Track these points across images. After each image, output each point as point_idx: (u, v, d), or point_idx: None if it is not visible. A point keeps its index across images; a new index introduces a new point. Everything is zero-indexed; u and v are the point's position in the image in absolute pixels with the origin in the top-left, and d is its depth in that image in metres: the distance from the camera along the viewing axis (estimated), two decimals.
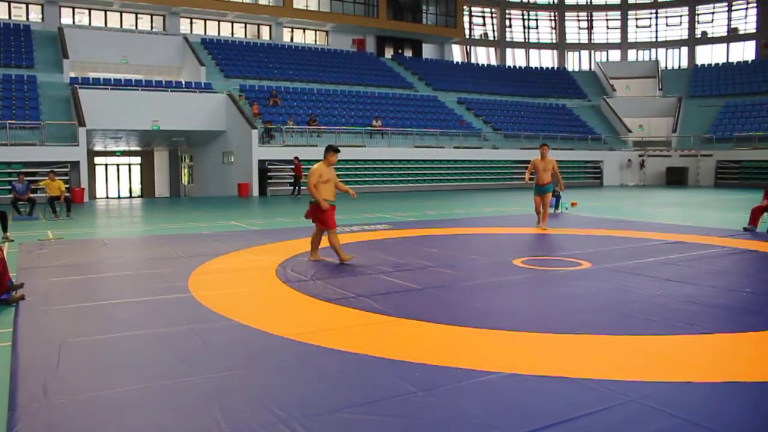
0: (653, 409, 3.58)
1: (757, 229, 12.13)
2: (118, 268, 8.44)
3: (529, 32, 51.17)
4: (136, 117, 26.28)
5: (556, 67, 49.24)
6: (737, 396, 3.86)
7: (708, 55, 48.87)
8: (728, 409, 3.65)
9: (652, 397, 3.75)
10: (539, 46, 51.35)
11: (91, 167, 33.83)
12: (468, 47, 49.62)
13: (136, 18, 36.20)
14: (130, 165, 38.49)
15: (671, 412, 3.53)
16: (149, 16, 36.52)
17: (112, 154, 36.87)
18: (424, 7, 43.86)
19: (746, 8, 47.71)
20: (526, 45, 51.09)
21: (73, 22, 34.35)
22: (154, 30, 36.40)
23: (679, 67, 48.71)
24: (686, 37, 49.46)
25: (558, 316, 5.95)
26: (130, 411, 3.62)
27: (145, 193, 37.89)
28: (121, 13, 35.48)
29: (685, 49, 49.58)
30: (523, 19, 50.91)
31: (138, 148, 36.80)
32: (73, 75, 28.98)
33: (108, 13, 35.24)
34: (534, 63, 50.59)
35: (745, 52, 47.72)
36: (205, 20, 37.93)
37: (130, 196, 36.88)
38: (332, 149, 9.00)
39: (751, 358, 4.66)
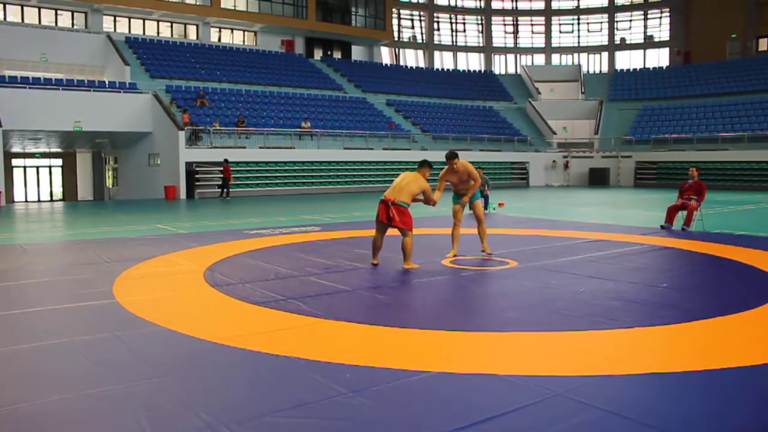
0: (577, 402, 3.70)
1: (673, 226, 12.71)
2: (38, 274, 8.12)
3: (456, 35, 51.96)
4: (57, 117, 25.32)
5: (483, 70, 50.14)
6: (655, 386, 4.03)
7: (627, 61, 50.89)
8: (646, 398, 3.81)
9: (576, 390, 3.88)
10: (467, 49, 52.19)
11: (8, 169, 32.42)
12: (397, 49, 49.98)
13: (56, 14, 34.84)
14: (50, 167, 37.06)
15: (593, 404, 3.66)
16: (70, 13, 35.21)
17: (32, 155, 35.42)
18: (353, 9, 43.91)
19: (660, 17, 49.94)
20: (454, 48, 51.86)
21: None
22: (75, 27, 35.12)
23: (600, 71, 50.45)
24: (606, 43, 51.32)
25: (486, 314, 6.07)
26: (50, 424, 3.49)
27: (67, 196, 36.55)
28: (39, 8, 34.02)
29: (605, 55, 51.45)
30: (451, 23, 51.66)
31: (59, 150, 35.47)
32: None
33: (25, 8, 33.74)
34: (462, 66, 51.40)
35: (660, 58, 49.95)
36: (129, 18, 36.87)
37: (51, 200, 35.50)
38: (428, 165, 8.78)
39: (667, 350, 4.88)
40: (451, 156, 9.08)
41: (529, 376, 4.16)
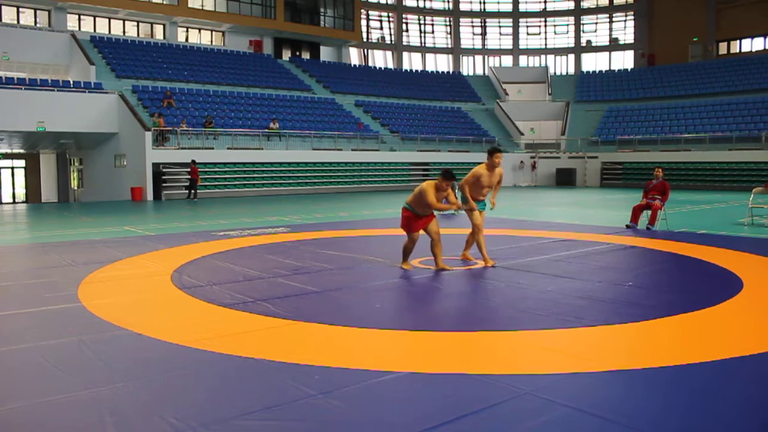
0: (544, 400, 3.74)
1: (638, 226, 12.92)
2: (0, 278, 7.95)
3: (425, 37, 52.15)
4: (19, 118, 24.79)
5: (451, 72, 50.40)
6: (620, 383, 4.10)
7: (593, 63, 51.58)
8: (612, 395, 3.87)
9: (544, 389, 3.92)
10: (435, 50, 52.42)
11: None
12: (365, 50, 50.00)
13: (18, 12, 34.12)
14: (13, 168, 36.30)
15: (561, 401, 3.71)
16: (33, 11, 34.52)
17: None
18: (321, 10, 43.80)
19: (625, 20, 50.76)
20: (423, 49, 52.03)
21: None
22: (38, 26, 34.47)
23: (567, 73, 51.06)
24: (572, 45, 51.97)
25: (455, 314, 6.11)
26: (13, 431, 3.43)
27: (30, 198, 35.81)
28: (0, 5, 33.38)
29: (572, 57, 52.08)
30: (420, 24, 51.84)
31: (22, 151, 34.79)
32: None
33: None
34: (430, 67, 51.60)
35: (625, 60, 50.75)
36: (94, 17, 36.27)
37: (14, 202, 34.80)
38: (447, 176, 8.08)
39: (633, 347, 4.96)
40: (495, 150, 8.76)
41: (497, 375, 4.19)
